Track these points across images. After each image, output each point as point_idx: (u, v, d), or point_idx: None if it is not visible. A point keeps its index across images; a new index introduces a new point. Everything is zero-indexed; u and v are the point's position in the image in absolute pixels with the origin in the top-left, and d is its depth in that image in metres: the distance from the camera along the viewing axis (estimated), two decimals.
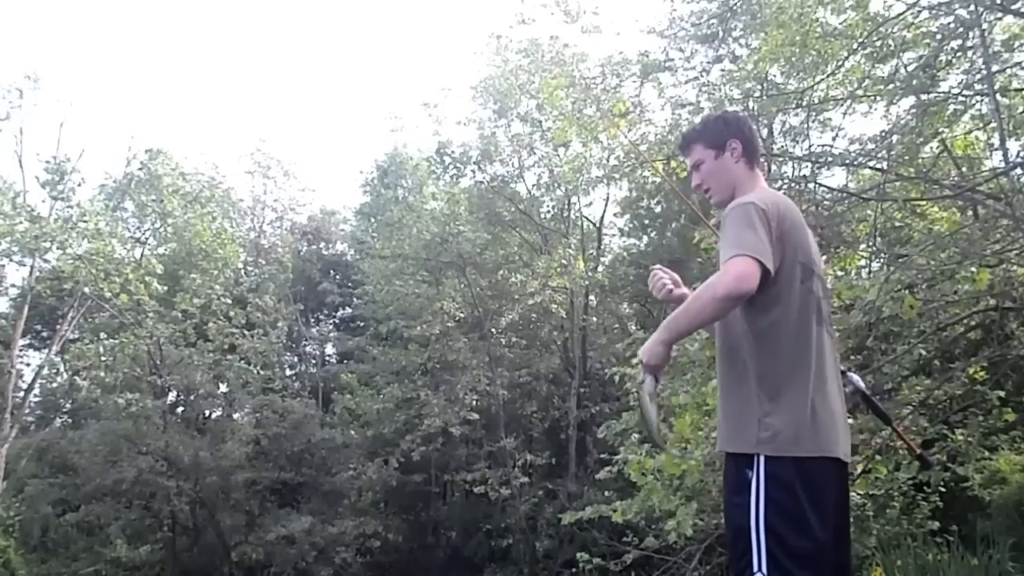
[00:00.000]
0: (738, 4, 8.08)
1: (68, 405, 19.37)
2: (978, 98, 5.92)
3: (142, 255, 17.11)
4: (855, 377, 2.49)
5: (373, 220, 20.91)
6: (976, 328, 6.61)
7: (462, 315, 16.67)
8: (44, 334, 19.12)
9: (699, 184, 2.44)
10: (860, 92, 6.57)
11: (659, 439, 2.44)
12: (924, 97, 6.01)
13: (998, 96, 5.33)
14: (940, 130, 6.26)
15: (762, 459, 2.08)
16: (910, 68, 6.08)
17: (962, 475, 6.76)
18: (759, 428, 2.11)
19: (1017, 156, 5.79)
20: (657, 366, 2.17)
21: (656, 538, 8.32)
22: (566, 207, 16.95)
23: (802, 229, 2.24)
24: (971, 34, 5.47)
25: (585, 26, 14.18)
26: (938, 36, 5.88)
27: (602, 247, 17.95)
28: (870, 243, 7.48)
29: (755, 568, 2.02)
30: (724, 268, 2.05)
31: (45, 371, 18.09)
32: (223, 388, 17.31)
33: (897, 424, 5.94)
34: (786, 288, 2.13)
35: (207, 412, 17.87)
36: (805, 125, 10.22)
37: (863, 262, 8.18)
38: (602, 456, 8.49)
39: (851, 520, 2.47)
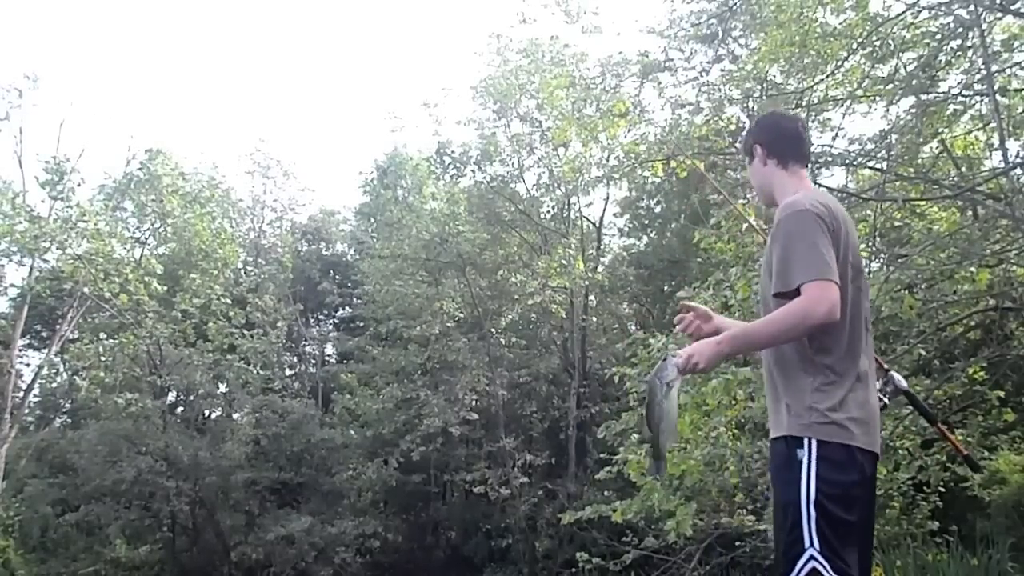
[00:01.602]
0: (737, 4, 8.07)
1: (68, 405, 19.37)
2: (978, 98, 5.92)
3: (142, 255, 17.10)
4: (897, 376, 2.53)
5: (373, 220, 20.90)
6: (976, 328, 6.62)
7: (462, 315, 16.67)
8: (44, 334, 19.11)
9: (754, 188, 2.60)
10: (860, 92, 6.57)
11: (667, 445, 2.40)
12: (924, 97, 6.01)
13: (998, 96, 5.33)
14: (940, 130, 6.26)
15: (814, 442, 2.13)
16: (910, 68, 6.08)
17: (962, 475, 6.76)
18: (811, 414, 2.16)
19: (1017, 156, 5.79)
20: (701, 370, 2.27)
21: (656, 538, 8.34)
22: (566, 207, 16.96)
23: (851, 228, 2.31)
24: (971, 34, 5.47)
25: (585, 26, 14.20)
26: (938, 36, 5.88)
27: (602, 247, 17.95)
28: (870, 243, 7.47)
29: (806, 543, 2.07)
30: (813, 296, 2.10)
31: (45, 371, 18.10)
32: (223, 388, 17.30)
33: (895, 425, 5.96)
34: (842, 288, 2.18)
35: (207, 412, 17.86)
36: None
37: (863, 262, 8.17)
38: (602, 456, 8.49)
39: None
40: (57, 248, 15.19)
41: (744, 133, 2.59)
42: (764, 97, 8.62)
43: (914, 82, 5.86)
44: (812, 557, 2.06)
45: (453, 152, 18.53)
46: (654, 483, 6.16)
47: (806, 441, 2.15)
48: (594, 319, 17.45)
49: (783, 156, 2.42)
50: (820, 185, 7.30)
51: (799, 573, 2.08)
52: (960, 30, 5.57)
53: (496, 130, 16.65)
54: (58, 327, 16.67)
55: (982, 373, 6.19)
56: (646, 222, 17.82)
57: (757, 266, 5.58)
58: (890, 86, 6.26)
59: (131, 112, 31.77)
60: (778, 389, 2.28)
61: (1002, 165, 5.57)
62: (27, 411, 18.09)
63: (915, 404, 2.80)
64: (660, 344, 6.09)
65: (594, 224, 17.71)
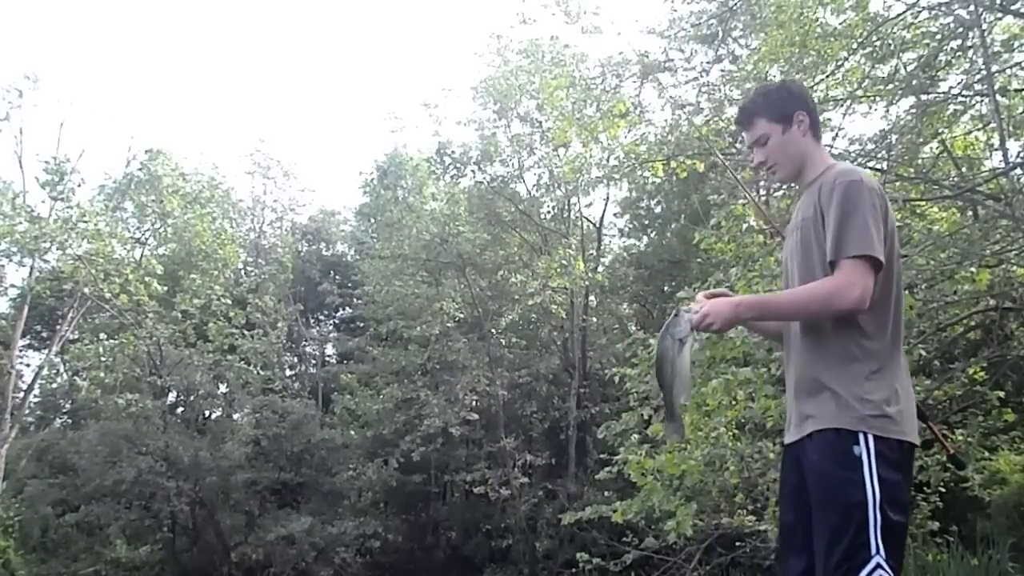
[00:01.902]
0: (737, 4, 8.07)
1: (68, 405, 19.37)
2: (978, 98, 5.92)
3: (142, 255, 17.10)
4: None
5: (373, 220, 20.90)
6: (976, 328, 6.62)
7: (462, 315, 16.67)
8: (44, 334, 19.12)
9: (763, 161, 2.31)
10: (860, 92, 6.57)
11: (681, 403, 2.23)
12: (924, 97, 6.01)
13: (998, 96, 5.32)
14: (940, 130, 6.26)
15: (871, 437, 1.99)
16: (910, 68, 6.08)
17: (962, 475, 6.76)
18: (865, 406, 2.02)
19: (1017, 156, 5.79)
20: (715, 331, 2.15)
21: (656, 538, 8.33)
22: (566, 207, 16.96)
23: (891, 209, 2.22)
24: (971, 34, 5.47)
25: (585, 26, 14.15)
26: (938, 36, 5.88)
27: (602, 247, 17.96)
28: None
29: (872, 550, 1.93)
30: (849, 278, 1.98)
31: (45, 371, 18.10)
32: (223, 388, 17.30)
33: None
34: (887, 269, 2.08)
35: (207, 412, 17.87)
36: None
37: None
38: (602, 456, 8.48)
39: None
40: (57, 248, 15.19)
41: (772, 94, 2.34)
42: None
43: (914, 82, 5.86)
44: (879, 565, 1.92)
45: (453, 152, 18.54)
46: (654, 483, 6.16)
47: (862, 436, 2.00)
48: (594, 319, 17.45)
49: (817, 130, 2.29)
50: None
51: None
52: (960, 30, 5.57)
53: (496, 130, 16.66)
54: (58, 327, 16.68)
55: (982, 373, 6.18)
56: (646, 222, 17.83)
57: (758, 266, 5.59)
58: (890, 86, 6.26)
59: (131, 112, 31.84)
60: (818, 374, 2.08)
61: (1002, 165, 5.57)
62: (27, 411, 18.09)
63: None
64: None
65: (594, 224, 17.71)
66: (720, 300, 2.15)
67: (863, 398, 2.02)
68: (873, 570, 1.92)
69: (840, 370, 2.06)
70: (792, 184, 2.53)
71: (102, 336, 15.64)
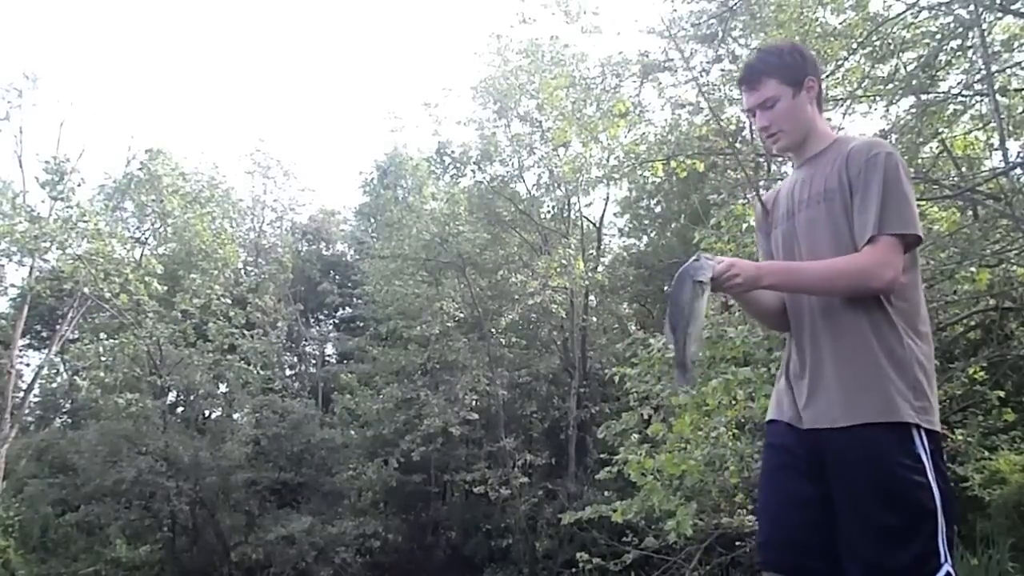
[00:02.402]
0: (737, 4, 8.07)
1: (68, 405, 19.37)
2: (978, 98, 5.93)
3: (142, 255, 17.10)
4: None
5: (373, 220, 20.91)
6: (976, 328, 6.62)
7: (462, 315, 16.67)
8: (44, 334, 19.12)
9: (767, 126, 2.09)
10: (860, 92, 6.57)
11: (694, 353, 2.00)
12: (924, 97, 6.01)
13: (998, 96, 5.33)
14: (940, 130, 6.26)
15: (924, 433, 1.84)
16: (910, 68, 6.08)
17: (962, 475, 6.77)
18: (919, 397, 1.85)
19: (1017, 156, 5.79)
20: (737, 287, 1.91)
21: (656, 538, 8.33)
22: (566, 207, 16.95)
23: None
24: (971, 34, 5.47)
25: (585, 26, 14.18)
26: (938, 36, 5.88)
27: (602, 247, 17.95)
28: None
29: (942, 558, 1.79)
30: (885, 256, 1.84)
31: (45, 371, 18.10)
32: (223, 388, 17.30)
33: None
34: (914, 252, 1.98)
35: (207, 412, 17.87)
36: None
37: None
38: (602, 456, 8.49)
39: None
40: (57, 248, 15.19)
41: (785, 55, 2.11)
42: None
43: (914, 82, 5.86)
44: (948, 574, 1.79)
45: (453, 152, 18.55)
46: (654, 483, 6.16)
47: (917, 433, 1.83)
48: (594, 319, 17.45)
49: (822, 97, 2.13)
50: None
51: None
52: (960, 30, 5.57)
53: (496, 130, 16.65)
54: (58, 327, 16.68)
55: (982, 373, 6.19)
56: (646, 222, 17.83)
57: None
58: (890, 86, 6.26)
59: (131, 112, 31.82)
60: (871, 357, 1.87)
61: (1002, 165, 5.57)
62: (27, 411, 18.08)
63: None
64: (660, 344, 6.08)
65: (594, 224, 17.71)
66: (743, 260, 1.96)
67: (916, 388, 1.86)
68: None
69: (895, 355, 1.86)
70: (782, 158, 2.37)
71: (102, 336, 15.61)
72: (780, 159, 7.85)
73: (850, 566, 1.84)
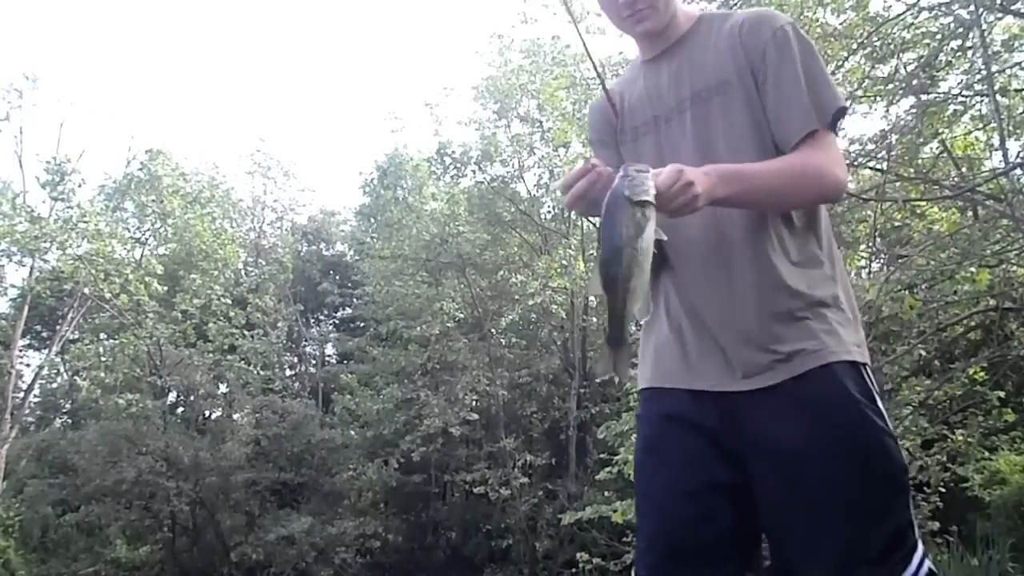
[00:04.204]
0: (738, 4, 8.08)
1: (68, 405, 19.37)
2: (978, 98, 5.93)
3: (142, 255, 17.12)
4: None
5: (373, 220, 20.91)
6: (976, 328, 6.62)
7: (462, 316, 16.67)
8: (44, 334, 19.12)
9: (633, 1, 1.57)
10: (860, 92, 6.57)
11: (635, 317, 1.41)
12: (924, 97, 6.01)
13: (998, 96, 5.33)
14: (940, 130, 6.26)
15: (869, 371, 1.48)
16: (910, 68, 6.08)
17: (962, 475, 6.77)
18: (858, 331, 1.51)
19: (1017, 156, 5.79)
20: (685, 205, 1.33)
21: None
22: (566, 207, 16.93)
23: None
24: (971, 34, 5.47)
25: (587, 27, 14.17)
26: (938, 36, 5.88)
27: None
28: (870, 243, 7.48)
29: (916, 533, 1.42)
30: (836, 153, 1.49)
31: (45, 371, 18.09)
32: (223, 388, 17.31)
33: (896, 425, 5.95)
34: None
35: (207, 412, 17.88)
36: None
37: (863, 262, 8.19)
38: (602, 456, 8.50)
39: None
40: (57, 248, 15.21)
41: None
42: None
43: (914, 82, 5.86)
44: (925, 555, 1.40)
45: (453, 152, 18.53)
46: None
47: (865, 371, 1.46)
48: (594, 319, 17.44)
49: None
50: None
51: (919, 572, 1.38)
52: (960, 30, 5.57)
53: (497, 130, 16.66)
54: (58, 327, 16.68)
55: (982, 373, 6.20)
56: None
57: None
58: (890, 86, 6.26)
59: (131, 112, 31.86)
60: (808, 287, 1.48)
61: (1002, 165, 5.57)
62: (27, 411, 18.09)
63: None
64: None
65: (594, 224, 17.69)
66: (692, 170, 1.35)
67: (854, 321, 1.51)
68: (923, 560, 1.39)
69: (827, 284, 1.51)
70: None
71: (102, 336, 15.66)
72: None
73: (807, 568, 1.40)
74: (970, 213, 6.08)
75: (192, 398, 17.05)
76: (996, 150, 6.31)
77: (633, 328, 1.44)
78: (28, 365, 18.49)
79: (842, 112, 1.51)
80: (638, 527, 1.61)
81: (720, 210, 1.43)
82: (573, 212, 16.22)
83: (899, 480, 1.41)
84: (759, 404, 1.44)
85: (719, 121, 1.50)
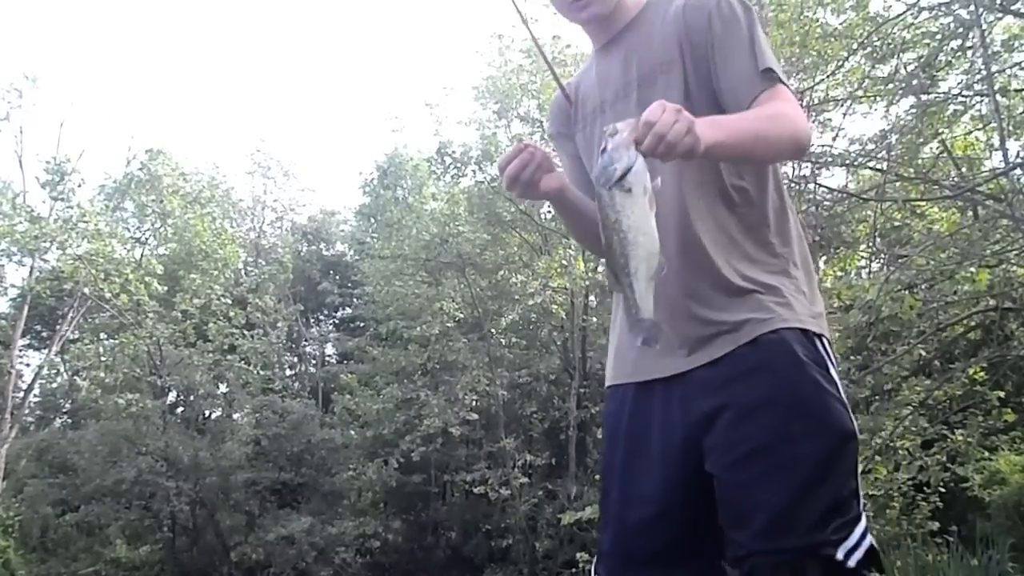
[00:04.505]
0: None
1: (68, 405, 19.37)
2: (978, 98, 5.93)
3: (142, 255, 17.12)
4: None
5: (373, 220, 20.92)
6: (976, 328, 6.62)
7: (462, 315, 16.67)
8: (44, 334, 19.11)
9: None
10: (860, 92, 6.59)
11: (647, 283, 1.29)
12: (924, 97, 6.02)
13: (998, 96, 5.33)
14: (940, 130, 6.27)
15: (827, 343, 1.43)
16: (910, 68, 6.09)
17: (962, 475, 6.78)
18: (811, 301, 1.46)
19: (1017, 156, 5.79)
20: (680, 145, 1.21)
21: None
22: None
23: None
24: (971, 34, 5.47)
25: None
26: (938, 36, 5.89)
27: None
28: (870, 243, 7.50)
29: (861, 504, 1.35)
30: (795, 102, 1.45)
31: (45, 371, 18.10)
32: (223, 388, 17.31)
33: (896, 425, 5.97)
34: None
35: (207, 412, 17.87)
36: None
37: (863, 262, 8.20)
38: None
39: None
40: (57, 248, 15.21)
41: None
42: None
43: (914, 82, 5.87)
44: (867, 528, 1.34)
45: (453, 152, 18.53)
46: None
47: (820, 341, 1.42)
48: (594, 319, 17.44)
49: None
50: (820, 185, 7.33)
51: (859, 549, 1.30)
52: (960, 30, 5.57)
53: (497, 130, 16.66)
54: (58, 327, 16.68)
55: (982, 373, 6.20)
56: None
57: None
58: (890, 86, 6.27)
59: (131, 112, 31.84)
60: (744, 248, 1.45)
61: (1002, 165, 5.57)
62: (27, 411, 18.10)
63: None
64: None
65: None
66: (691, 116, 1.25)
67: (806, 292, 1.46)
68: (865, 533, 1.31)
69: (755, 251, 1.46)
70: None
71: (102, 336, 15.66)
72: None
73: (736, 535, 1.34)
74: (970, 213, 6.09)
75: (192, 398, 17.05)
76: (996, 150, 6.32)
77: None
78: (28, 365, 18.52)
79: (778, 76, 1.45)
80: (600, 526, 1.56)
81: (662, 191, 1.34)
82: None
83: (845, 446, 1.34)
84: (711, 377, 1.40)
85: (664, 99, 1.38)
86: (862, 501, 1.35)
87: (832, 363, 1.42)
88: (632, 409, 1.52)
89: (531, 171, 1.39)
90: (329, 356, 22.17)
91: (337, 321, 22.82)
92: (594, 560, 1.57)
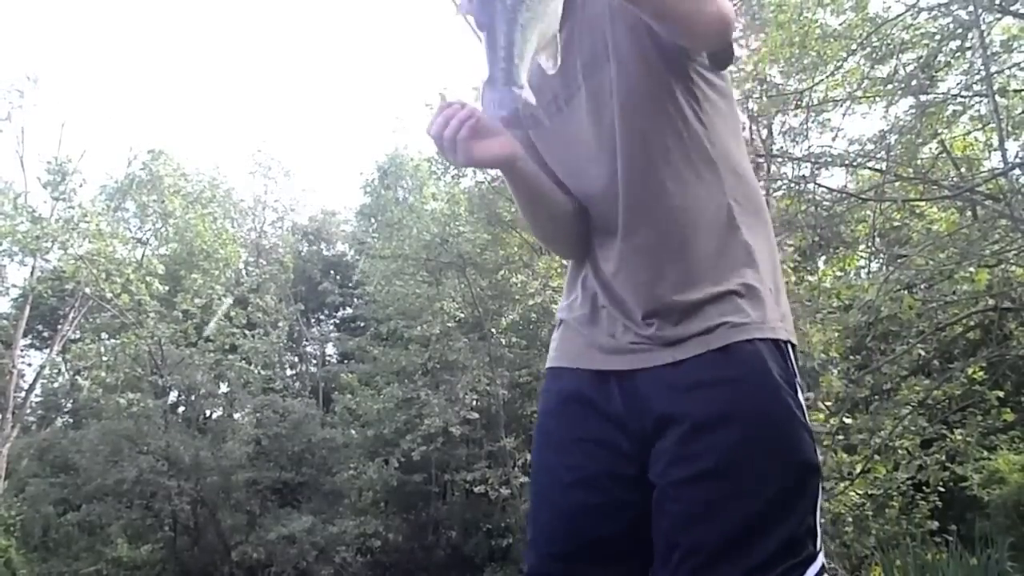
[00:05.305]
0: (737, 5, 8.09)
1: (69, 405, 19.39)
2: (977, 99, 5.95)
3: (143, 255, 17.13)
4: None
5: (373, 220, 20.93)
6: (975, 328, 6.64)
7: (462, 315, 16.68)
8: (45, 334, 19.14)
9: None
10: (859, 93, 6.60)
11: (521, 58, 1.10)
12: (923, 98, 6.04)
13: (997, 97, 5.35)
14: (939, 131, 6.29)
15: (794, 351, 1.30)
16: (909, 69, 6.10)
17: (961, 475, 6.79)
18: (777, 301, 1.32)
19: (1016, 157, 5.81)
20: None
21: None
22: None
23: None
24: (970, 35, 5.49)
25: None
26: (937, 37, 5.91)
27: None
28: (869, 243, 7.50)
29: (819, 544, 1.21)
30: None
31: (46, 371, 18.13)
32: (224, 388, 17.33)
33: (895, 424, 5.98)
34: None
35: (208, 412, 17.89)
36: (805, 126, 10.22)
37: (862, 262, 8.21)
38: None
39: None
40: (59, 248, 15.23)
41: None
42: (764, 97, 8.64)
43: (913, 83, 5.88)
44: (822, 568, 1.21)
45: None
46: None
47: (789, 351, 1.28)
48: None
49: None
50: (819, 185, 7.34)
51: None
52: (960, 31, 5.59)
53: None
54: (60, 327, 16.71)
55: (981, 373, 6.21)
56: None
57: None
58: (890, 86, 6.28)
59: (133, 112, 31.85)
60: (726, 249, 1.31)
61: (1001, 165, 5.59)
62: (29, 411, 18.12)
63: None
64: None
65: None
66: None
67: (771, 289, 1.31)
68: (820, 572, 1.20)
69: (747, 249, 1.32)
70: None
71: (103, 336, 15.67)
72: (780, 159, 7.87)
73: (662, 570, 1.23)
74: (969, 213, 6.10)
75: (193, 397, 17.07)
76: (995, 150, 6.33)
77: None
78: (29, 365, 18.55)
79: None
80: (529, 517, 1.44)
81: (627, 171, 1.25)
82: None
83: (808, 480, 1.21)
84: (670, 379, 1.26)
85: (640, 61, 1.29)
86: (819, 540, 1.21)
87: (799, 380, 1.29)
88: (579, 394, 1.38)
89: (453, 130, 1.20)
90: (330, 356, 22.18)
91: (338, 321, 22.83)
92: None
